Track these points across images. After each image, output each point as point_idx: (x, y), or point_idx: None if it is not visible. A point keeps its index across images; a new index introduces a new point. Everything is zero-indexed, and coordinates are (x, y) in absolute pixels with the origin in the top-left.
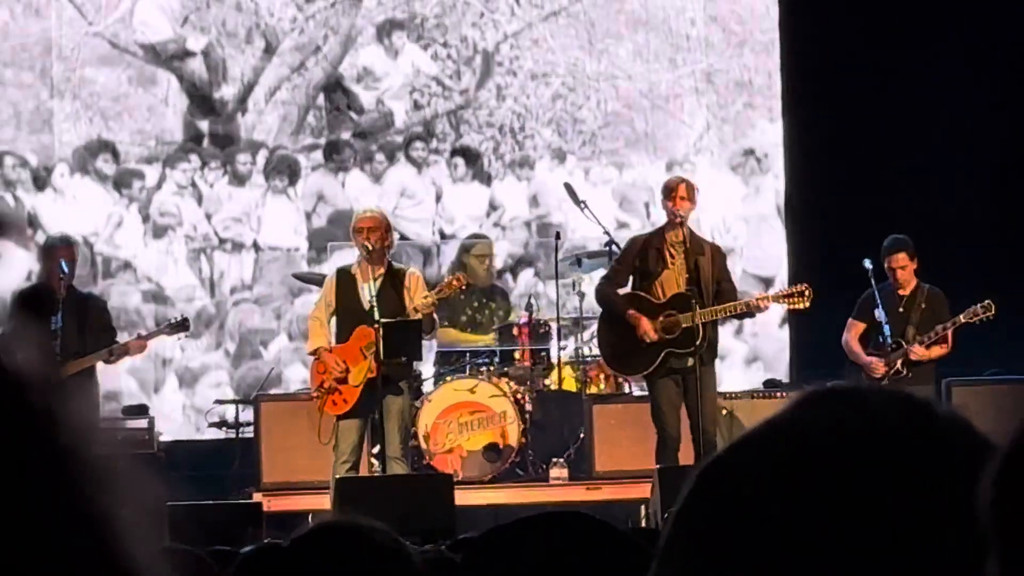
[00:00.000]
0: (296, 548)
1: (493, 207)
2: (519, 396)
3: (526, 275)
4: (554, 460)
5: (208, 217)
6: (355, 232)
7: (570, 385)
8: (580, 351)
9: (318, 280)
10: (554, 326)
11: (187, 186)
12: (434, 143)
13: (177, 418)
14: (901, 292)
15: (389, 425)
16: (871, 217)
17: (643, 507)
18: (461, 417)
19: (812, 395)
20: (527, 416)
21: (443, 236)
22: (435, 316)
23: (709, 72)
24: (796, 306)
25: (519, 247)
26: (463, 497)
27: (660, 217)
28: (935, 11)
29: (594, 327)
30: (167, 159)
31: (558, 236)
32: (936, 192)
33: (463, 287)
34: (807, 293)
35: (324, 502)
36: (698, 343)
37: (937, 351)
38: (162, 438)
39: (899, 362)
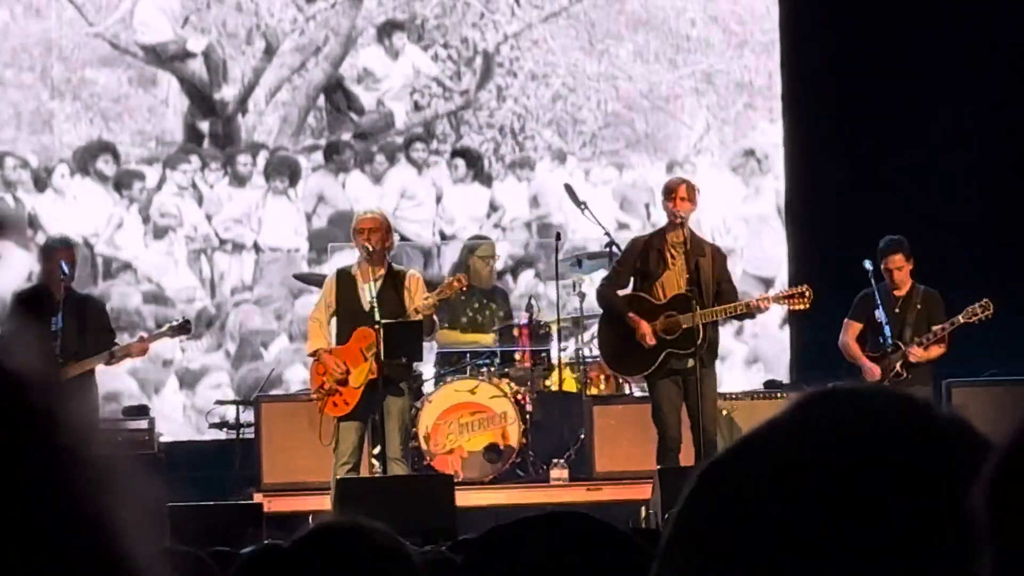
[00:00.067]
0: (296, 549)
1: (493, 208)
2: (519, 397)
3: (526, 276)
4: (554, 461)
5: (208, 218)
6: (356, 233)
7: (570, 386)
8: (580, 352)
9: (318, 281)
10: (554, 327)
11: (187, 187)
12: (434, 144)
13: (177, 419)
14: (897, 293)
15: (389, 426)
16: (871, 217)
17: (643, 508)
18: (461, 418)
19: (812, 396)
20: (527, 417)
21: (443, 237)
22: (435, 317)
23: (709, 73)
24: (796, 307)
25: (519, 248)
26: (463, 498)
27: (660, 218)
28: (935, 11)
29: (594, 328)
30: (167, 160)
31: (558, 237)
32: (936, 192)
33: (463, 288)
34: (807, 294)
35: (325, 503)
36: (698, 344)
37: (936, 351)
38: (162, 439)
39: (898, 364)
